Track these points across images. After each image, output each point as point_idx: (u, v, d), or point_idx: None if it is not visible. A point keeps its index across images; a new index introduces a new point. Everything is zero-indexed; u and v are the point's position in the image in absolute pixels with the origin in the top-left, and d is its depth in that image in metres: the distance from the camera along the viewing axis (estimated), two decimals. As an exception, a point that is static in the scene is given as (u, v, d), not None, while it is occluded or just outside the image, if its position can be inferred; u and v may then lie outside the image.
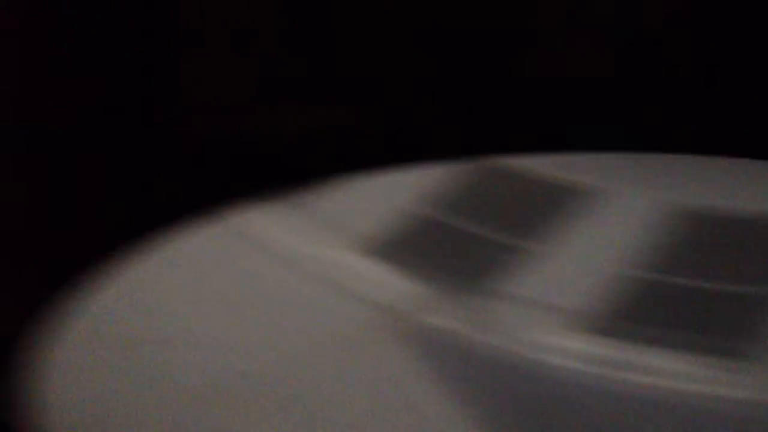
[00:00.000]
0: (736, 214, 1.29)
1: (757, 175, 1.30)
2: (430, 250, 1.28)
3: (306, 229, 1.28)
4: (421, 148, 1.36)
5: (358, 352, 1.17)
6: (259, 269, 1.25)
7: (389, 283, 1.24)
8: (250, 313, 1.21)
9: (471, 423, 1.12)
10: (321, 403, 1.12)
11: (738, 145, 1.31)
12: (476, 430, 1.11)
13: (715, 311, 1.19)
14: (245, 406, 1.11)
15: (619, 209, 1.32)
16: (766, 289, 1.19)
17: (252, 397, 1.12)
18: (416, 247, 1.28)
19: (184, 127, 1.35)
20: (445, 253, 1.29)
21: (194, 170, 1.33)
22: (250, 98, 1.40)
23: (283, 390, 1.13)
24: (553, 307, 1.22)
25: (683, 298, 1.21)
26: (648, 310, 1.21)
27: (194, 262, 1.23)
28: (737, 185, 1.30)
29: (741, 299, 1.19)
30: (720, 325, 1.17)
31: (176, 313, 1.22)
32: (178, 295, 1.23)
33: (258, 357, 1.16)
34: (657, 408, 1.12)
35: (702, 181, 1.31)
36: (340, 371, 1.15)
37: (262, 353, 1.17)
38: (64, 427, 1.06)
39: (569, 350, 1.17)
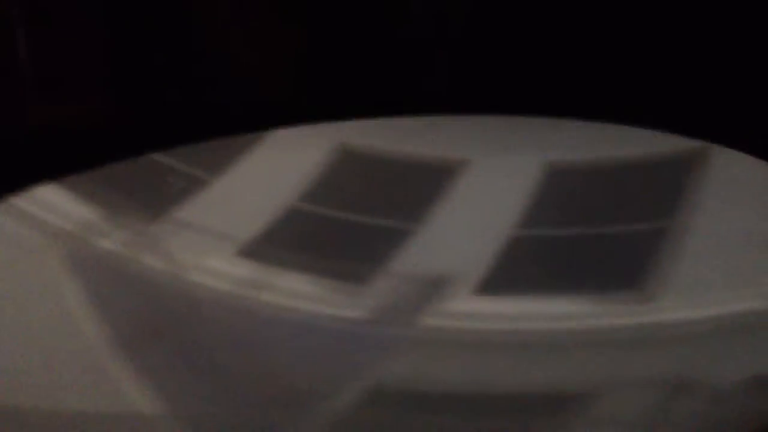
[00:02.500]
0: (387, 154, 1.46)
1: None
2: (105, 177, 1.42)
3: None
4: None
5: (24, 274, 1.30)
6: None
7: (64, 209, 1.37)
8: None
9: (119, 340, 1.24)
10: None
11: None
12: (122, 347, 1.24)
13: (349, 240, 1.35)
14: None
15: (284, 146, 1.49)
16: (398, 223, 1.35)
17: None
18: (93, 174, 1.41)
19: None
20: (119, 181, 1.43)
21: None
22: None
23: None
24: (210, 231, 1.36)
25: (324, 226, 1.37)
26: (291, 236, 1.36)
27: None
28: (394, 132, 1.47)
29: (373, 230, 1.35)
30: (349, 252, 1.33)
31: None
32: None
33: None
34: (286, 325, 1.26)
35: (363, 126, 1.48)
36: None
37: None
38: None
39: (216, 271, 1.31)
